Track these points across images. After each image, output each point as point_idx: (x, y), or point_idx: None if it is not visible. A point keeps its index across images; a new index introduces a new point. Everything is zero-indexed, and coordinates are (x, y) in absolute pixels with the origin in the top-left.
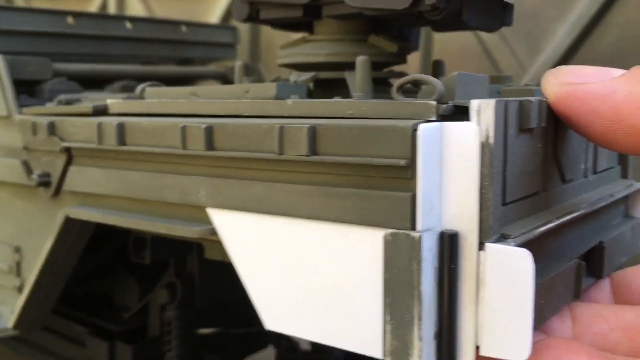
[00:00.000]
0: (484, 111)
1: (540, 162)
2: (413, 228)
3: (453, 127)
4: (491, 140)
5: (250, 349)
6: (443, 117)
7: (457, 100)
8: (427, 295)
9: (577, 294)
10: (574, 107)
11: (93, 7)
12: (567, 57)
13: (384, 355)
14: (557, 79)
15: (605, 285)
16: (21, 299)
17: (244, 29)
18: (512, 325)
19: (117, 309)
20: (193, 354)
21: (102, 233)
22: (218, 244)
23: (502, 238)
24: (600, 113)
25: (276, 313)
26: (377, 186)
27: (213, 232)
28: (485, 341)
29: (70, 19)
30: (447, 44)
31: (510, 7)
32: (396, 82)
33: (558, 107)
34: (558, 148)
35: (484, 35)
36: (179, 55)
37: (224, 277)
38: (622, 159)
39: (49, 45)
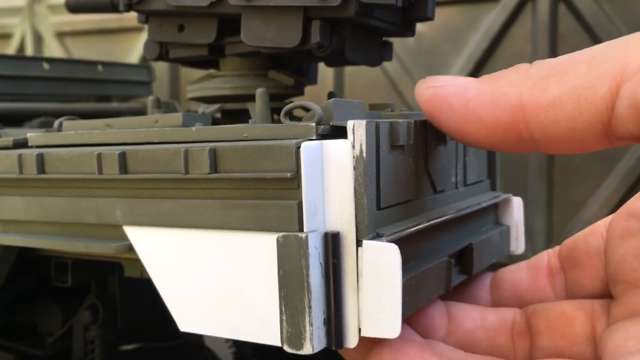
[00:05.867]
0: (357, 130)
1: (412, 174)
2: (301, 230)
3: (331, 144)
4: (364, 154)
5: None
6: (324, 136)
7: (334, 122)
8: (315, 286)
9: (448, 287)
10: (436, 106)
11: (10, 49)
12: None
13: (282, 342)
14: (425, 84)
15: (485, 283)
16: None
17: (164, 67)
18: (385, 309)
19: (41, 335)
20: None
21: (24, 262)
22: (136, 262)
23: (377, 236)
24: (455, 109)
25: (189, 315)
26: (270, 196)
27: (130, 247)
28: (365, 324)
29: None
30: (356, 78)
31: (389, 45)
32: (284, 108)
33: (426, 107)
34: (429, 162)
35: (390, 69)
36: (96, 93)
37: (144, 296)
38: (491, 174)
39: None
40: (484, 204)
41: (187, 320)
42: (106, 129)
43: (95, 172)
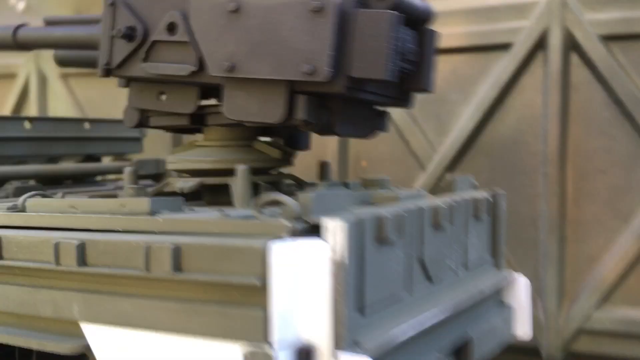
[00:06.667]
0: (336, 230)
1: (403, 268)
2: (269, 343)
3: (305, 246)
4: (344, 257)
5: None
6: (298, 234)
7: (312, 218)
8: None
9: None
10: None
11: (15, 89)
12: (473, 137)
13: None
14: None
15: None
16: None
17: None
18: None
19: None
20: None
21: None
22: None
23: (356, 345)
24: None
25: None
26: (236, 303)
27: (87, 346)
28: None
29: None
30: None
31: (385, 114)
32: (257, 201)
33: None
34: (423, 252)
35: (397, 118)
36: (83, 151)
37: None
38: (495, 251)
39: None
40: (486, 289)
41: None
42: (70, 211)
43: (53, 262)
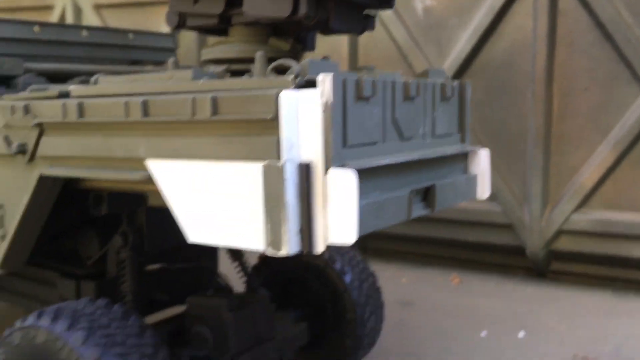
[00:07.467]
0: (325, 81)
1: (378, 122)
2: (279, 160)
3: (304, 93)
4: (330, 102)
5: (192, 289)
6: (299, 87)
7: (309, 76)
8: (291, 203)
9: (409, 216)
10: None
11: (52, 20)
12: (470, 59)
13: (266, 246)
14: None
15: None
16: (4, 245)
17: (192, 35)
18: (345, 222)
19: (81, 258)
20: (144, 289)
21: (69, 198)
22: (157, 194)
23: (342, 166)
24: None
25: (196, 228)
26: (257, 134)
27: (149, 177)
28: (331, 233)
29: (36, 28)
30: (370, 50)
31: (371, 17)
32: (269, 65)
33: None
34: (395, 114)
35: (401, 42)
36: (128, 57)
37: (166, 226)
38: (461, 127)
39: (20, 48)
40: (448, 152)
41: (195, 232)
42: (132, 82)
43: (123, 116)
